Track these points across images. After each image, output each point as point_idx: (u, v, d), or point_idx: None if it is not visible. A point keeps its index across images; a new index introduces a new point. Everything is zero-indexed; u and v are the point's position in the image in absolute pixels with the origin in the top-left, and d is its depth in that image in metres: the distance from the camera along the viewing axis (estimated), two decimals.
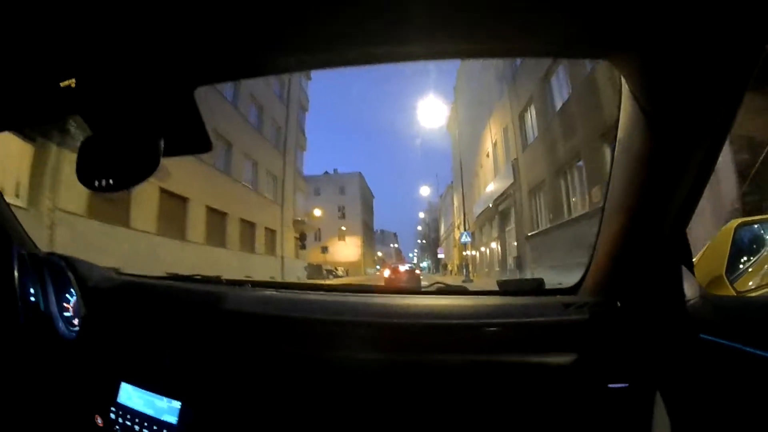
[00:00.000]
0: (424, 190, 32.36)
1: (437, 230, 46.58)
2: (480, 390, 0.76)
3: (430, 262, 49.35)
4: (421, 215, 45.96)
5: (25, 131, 5.08)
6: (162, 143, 0.56)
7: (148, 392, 0.89)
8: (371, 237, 49.63)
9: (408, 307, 0.88)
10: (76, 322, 1.07)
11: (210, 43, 0.51)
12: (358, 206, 42.60)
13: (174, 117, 0.60)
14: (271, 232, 18.11)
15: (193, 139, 0.63)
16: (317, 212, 38.29)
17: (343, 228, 42.02)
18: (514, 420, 0.74)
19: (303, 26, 0.47)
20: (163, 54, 0.53)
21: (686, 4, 0.40)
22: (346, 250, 41.22)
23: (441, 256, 29.58)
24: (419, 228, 53.24)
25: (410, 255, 64.50)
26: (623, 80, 0.57)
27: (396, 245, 68.54)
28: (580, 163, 8.87)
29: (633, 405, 0.71)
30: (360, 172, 44.61)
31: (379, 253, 54.38)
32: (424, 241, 52.89)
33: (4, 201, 1.14)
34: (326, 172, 44.64)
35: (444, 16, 0.44)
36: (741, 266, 1.24)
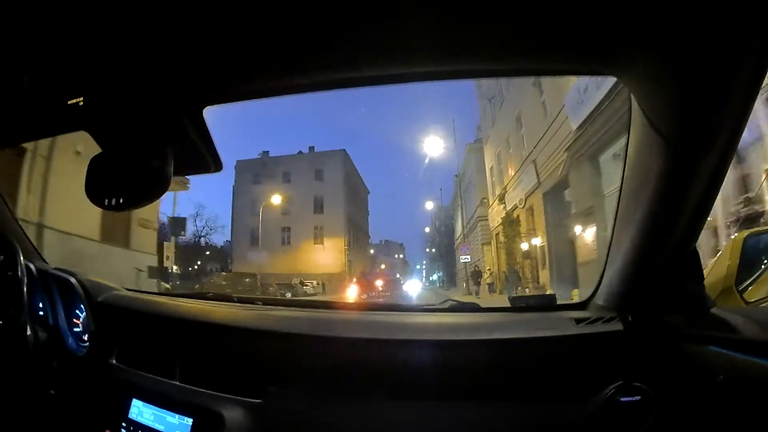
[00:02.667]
0: (432, 145, 17.68)
1: (451, 235, 34.41)
2: (491, 405, 0.76)
3: (442, 273, 37.22)
4: (429, 206, 32.65)
5: None
6: (171, 162, 0.56)
7: (159, 409, 0.88)
8: (364, 240, 37.14)
9: (420, 325, 0.90)
10: (85, 337, 1.07)
11: (219, 64, 0.52)
12: (342, 196, 30.75)
13: (183, 136, 0.59)
14: None
15: (203, 158, 0.62)
16: (276, 199, 26.49)
17: (320, 226, 30.25)
18: None
19: (313, 48, 0.49)
20: (172, 74, 0.54)
21: (692, 22, 0.42)
22: (324, 256, 29.34)
23: (465, 259, 16.54)
24: (427, 230, 40.40)
25: (417, 267, 54.52)
26: (632, 96, 0.58)
27: (402, 255, 58.09)
28: None
29: (644, 419, 0.70)
30: (344, 150, 32.76)
31: (383, 265, 45.02)
32: (433, 250, 40.58)
33: (12, 214, 1.17)
34: (300, 152, 33.21)
35: (454, 38, 0.46)
36: (750, 277, 1.23)
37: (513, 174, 12.74)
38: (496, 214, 15.20)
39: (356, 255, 32.44)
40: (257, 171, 31.42)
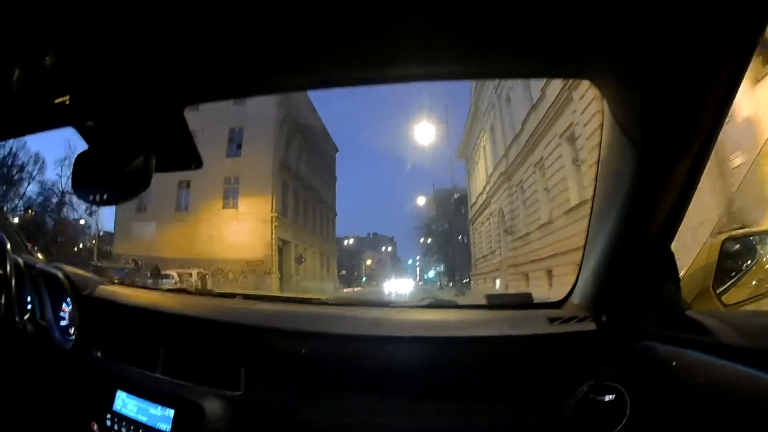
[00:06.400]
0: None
1: (453, 217, 23.07)
2: (466, 403, 0.76)
3: (442, 267, 25.41)
4: (427, 138, 18.83)
5: None
6: (153, 159, 0.58)
7: (143, 400, 0.91)
8: (324, 216, 23.66)
9: (396, 321, 0.90)
10: (71, 330, 1.09)
11: (200, 65, 0.54)
12: (272, 128, 17.83)
13: (165, 134, 0.62)
14: None
15: (183, 156, 0.65)
16: None
17: (235, 178, 17.36)
18: None
19: (293, 49, 0.50)
20: (154, 75, 0.55)
21: (664, 28, 0.42)
22: (238, 230, 16.57)
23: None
24: (422, 201, 27.34)
25: (409, 261, 44.66)
26: (604, 101, 0.58)
27: (390, 248, 46.69)
28: None
29: (619, 419, 0.71)
30: None
31: (368, 261, 39.35)
32: (429, 240, 28.06)
33: (1, 209, 1.22)
34: None
35: (436, 42, 0.48)
36: (728, 280, 1.19)
37: None
38: None
39: (301, 234, 19.23)
40: None
